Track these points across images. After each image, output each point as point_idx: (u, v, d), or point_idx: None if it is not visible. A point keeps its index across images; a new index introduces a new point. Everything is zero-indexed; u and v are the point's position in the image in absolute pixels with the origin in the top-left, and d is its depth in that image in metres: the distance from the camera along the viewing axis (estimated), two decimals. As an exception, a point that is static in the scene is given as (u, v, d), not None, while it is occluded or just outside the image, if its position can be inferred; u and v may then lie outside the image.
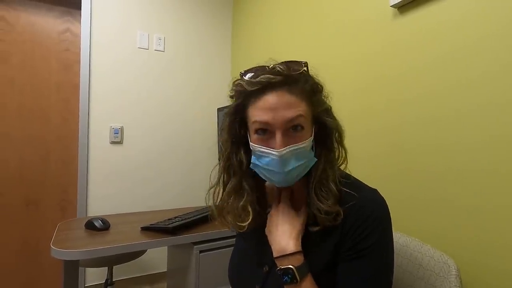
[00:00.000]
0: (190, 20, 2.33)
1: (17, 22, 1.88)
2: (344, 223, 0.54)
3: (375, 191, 0.58)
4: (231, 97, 0.60)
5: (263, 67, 0.55)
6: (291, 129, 0.53)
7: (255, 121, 0.54)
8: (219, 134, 0.63)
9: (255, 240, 0.64)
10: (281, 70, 0.53)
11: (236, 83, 0.58)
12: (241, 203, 0.59)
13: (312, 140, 0.56)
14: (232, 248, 0.75)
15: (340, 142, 0.60)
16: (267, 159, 0.54)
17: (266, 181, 0.62)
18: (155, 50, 2.19)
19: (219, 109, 2.05)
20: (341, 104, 1.32)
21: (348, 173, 0.61)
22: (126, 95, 2.10)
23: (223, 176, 0.62)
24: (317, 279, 0.54)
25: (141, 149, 2.15)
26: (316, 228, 0.55)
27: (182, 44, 2.29)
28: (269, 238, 0.58)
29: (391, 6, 1.09)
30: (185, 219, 1.26)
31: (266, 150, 0.53)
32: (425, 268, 0.71)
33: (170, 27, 2.25)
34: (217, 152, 2.03)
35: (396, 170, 1.08)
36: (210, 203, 0.62)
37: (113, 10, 2.06)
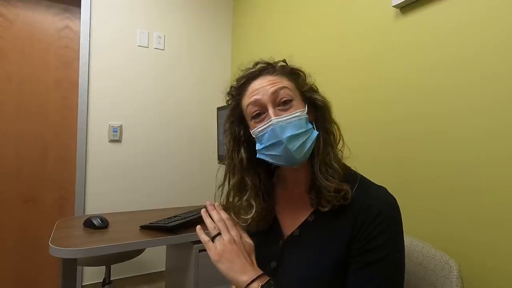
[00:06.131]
0: (191, 19, 2.32)
1: (16, 18, 1.87)
2: (355, 220, 0.55)
3: (385, 189, 0.59)
4: (227, 102, 0.67)
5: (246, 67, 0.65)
6: (282, 105, 0.58)
7: (248, 108, 0.60)
8: (223, 137, 0.68)
9: (262, 237, 0.66)
10: (260, 62, 0.64)
11: (228, 88, 0.67)
12: (245, 197, 0.64)
13: (306, 113, 0.58)
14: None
15: (331, 119, 0.64)
16: (267, 134, 0.57)
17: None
18: (155, 48, 2.18)
19: (218, 108, 2.04)
20: (339, 103, 1.32)
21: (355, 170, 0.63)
22: (125, 94, 2.09)
23: (228, 175, 0.66)
24: (331, 276, 0.54)
25: (140, 148, 2.14)
26: (326, 208, 0.57)
27: (182, 42, 2.29)
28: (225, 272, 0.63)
29: (393, 6, 1.09)
30: (185, 218, 1.26)
31: (264, 125, 0.57)
32: (426, 268, 0.71)
33: (170, 25, 2.24)
34: (217, 151, 2.03)
35: (397, 172, 1.08)
36: (221, 199, 0.68)
37: (113, 8, 2.05)
